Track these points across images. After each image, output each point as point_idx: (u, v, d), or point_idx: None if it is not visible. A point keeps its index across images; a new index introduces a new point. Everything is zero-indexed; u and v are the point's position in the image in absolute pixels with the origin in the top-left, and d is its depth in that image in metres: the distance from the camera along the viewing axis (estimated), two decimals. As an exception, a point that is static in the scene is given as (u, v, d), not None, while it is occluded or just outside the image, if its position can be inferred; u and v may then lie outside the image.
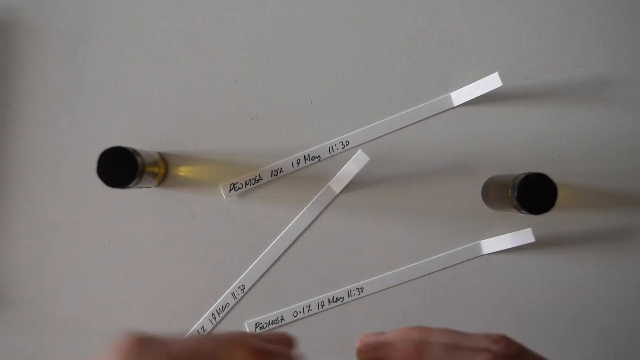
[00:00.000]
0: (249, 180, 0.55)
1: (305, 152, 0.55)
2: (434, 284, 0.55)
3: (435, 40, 0.55)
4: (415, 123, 0.55)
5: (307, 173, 0.55)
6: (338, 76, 0.55)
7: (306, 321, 0.55)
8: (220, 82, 0.55)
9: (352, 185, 0.54)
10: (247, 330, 0.55)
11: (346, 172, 0.53)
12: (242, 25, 0.55)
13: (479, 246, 0.54)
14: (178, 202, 0.55)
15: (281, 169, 0.55)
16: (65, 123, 0.55)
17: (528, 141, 0.55)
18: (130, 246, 0.55)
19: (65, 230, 0.55)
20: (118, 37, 0.55)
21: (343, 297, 0.54)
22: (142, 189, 0.54)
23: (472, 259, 0.54)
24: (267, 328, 0.55)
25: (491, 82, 0.52)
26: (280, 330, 0.55)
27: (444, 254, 0.54)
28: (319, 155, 0.55)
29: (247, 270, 0.55)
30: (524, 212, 0.46)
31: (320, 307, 0.55)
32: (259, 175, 0.55)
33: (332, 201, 0.55)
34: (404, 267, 0.55)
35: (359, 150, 0.52)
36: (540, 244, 0.54)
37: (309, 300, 0.55)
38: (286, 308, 0.55)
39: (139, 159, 0.46)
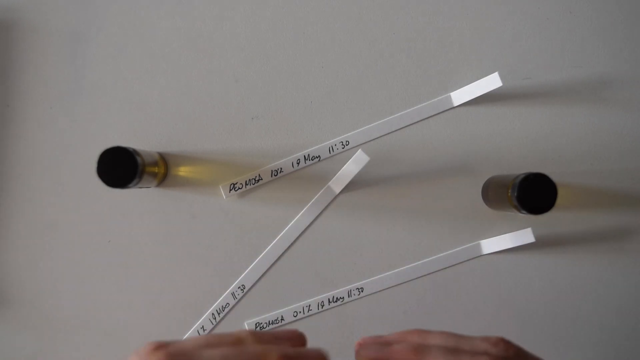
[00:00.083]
0: (249, 180, 0.55)
1: (305, 152, 0.55)
2: (434, 284, 0.55)
3: (435, 40, 0.55)
4: (415, 123, 0.55)
5: (307, 173, 0.55)
6: (338, 76, 0.55)
7: (306, 321, 0.55)
8: (220, 82, 0.55)
9: (352, 185, 0.54)
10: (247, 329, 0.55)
11: (346, 172, 0.53)
12: (242, 25, 0.55)
13: (479, 246, 0.54)
14: (178, 202, 0.55)
15: (281, 169, 0.55)
16: (65, 123, 0.55)
17: (528, 141, 0.55)
18: (130, 246, 0.55)
19: (65, 230, 0.55)
20: (118, 37, 0.56)
21: (343, 297, 0.54)
22: (142, 189, 0.54)
23: (472, 259, 0.54)
24: (267, 328, 0.55)
25: (491, 82, 0.52)
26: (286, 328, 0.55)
27: (444, 254, 0.54)
28: (319, 155, 0.55)
29: (247, 270, 0.55)
30: (524, 212, 0.46)
31: (320, 307, 0.55)
32: (259, 175, 0.55)
33: (332, 201, 0.55)
34: (404, 267, 0.55)
35: (359, 150, 0.52)
36: (540, 244, 0.54)
37: (309, 300, 0.55)
38: (286, 308, 0.55)
39: (139, 159, 0.46)
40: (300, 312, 0.55)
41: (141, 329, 0.55)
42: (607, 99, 0.54)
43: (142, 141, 0.55)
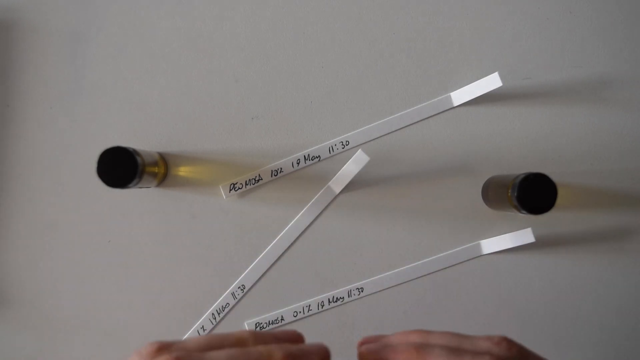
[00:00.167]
0: (249, 180, 0.55)
1: (305, 152, 0.55)
2: (434, 284, 0.55)
3: (435, 40, 0.55)
4: (415, 123, 0.55)
5: (307, 173, 0.55)
6: (338, 76, 0.55)
7: (306, 321, 0.55)
8: (220, 82, 0.55)
9: (352, 185, 0.54)
10: (247, 329, 0.55)
11: (346, 172, 0.53)
12: (242, 25, 0.55)
13: (479, 246, 0.54)
14: (178, 202, 0.55)
15: (281, 169, 0.55)
16: (65, 123, 0.55)
17: (528, 141, 0.55)
18: (130, 246, 0.55)
19: (65, 230, 0.55)
20: (118, 37, 0.56)
21: (343, 297, 0.54)
22: (142, 189, 0.54)
23: (472, 259, 0.54)
24: (267, 328, 0.55)
25: (491, 82, 0.52)
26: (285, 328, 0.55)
27: (444, 254, 0.54)
28: (319, 155, 0.55)
29: (247, 270, 0.55)
30: (524, 212, 0.46)
31: (320, 307, 0.55)
32: (259, 175, 0.55)
33: (332, 201, 0.55)
34: (404, 267, 0.55)
35: (359, 150, 0.52)
36: (540, 244, 0.54)
37: (309, 300, 0.55)
38: (286, 308, 0.55)
39: (139, 159, 0.46)
40: (300, 312, 0.55)
41: (141, 329, 0.55)
42: (607, 99, 0.54)
43: (142, 141, 0.55)
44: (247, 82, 0.55)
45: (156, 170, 0.51)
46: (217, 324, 0.55)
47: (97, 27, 0.55)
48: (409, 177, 0.55)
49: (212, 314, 0.55)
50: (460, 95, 0.54)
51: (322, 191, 0.55)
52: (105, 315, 0.55)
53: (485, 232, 0.54)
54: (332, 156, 0.55)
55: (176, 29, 0.55)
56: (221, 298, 0.55)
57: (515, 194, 0.45)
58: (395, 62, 0.55)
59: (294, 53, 0.55)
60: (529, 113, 0.55)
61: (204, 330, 0.55)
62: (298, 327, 0.54)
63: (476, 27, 0.55)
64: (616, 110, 0.54)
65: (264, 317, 0.55)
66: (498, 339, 0.33)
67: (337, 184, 0.54)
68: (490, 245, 0.54)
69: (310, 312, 0.55)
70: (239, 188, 0.55)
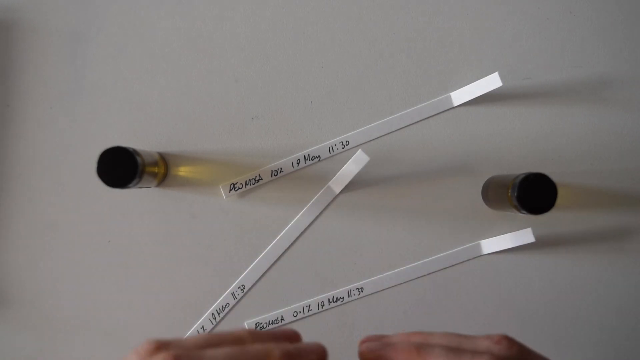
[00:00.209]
0: (249, 180, 0.55)
1: (305, 152, 0.55)
2: (434, 284, 0.55)
3: (435, 40, 0.55)
4: (415, 123, 0.55)
5: (307, 173, 0.55)
6: (338, 76, 0.55)
7: (306, 321, 0.55)
8: (220, 82, 0.55)
9: (352, 185, 0.54)
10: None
11: (346, 172, 0.53)
12: (242, 25, 0.55)
13: (479, 246, 0.54)
14: (178, 202, 0.55)
15: (281, 169, 0.55)
16: (65, 123, 0.55)
17: (528, 141, 0.55)
18: (130, 246, 0.55)
19: (65, 230, 0.55)
20: (118, 37, 0.56)
21: (343, 297, 0.54)
22: (142, 189, 0.54)
23: (472, 259, 0.54)
24: (267, 328, 0.55)
25: (491, 82, 0.52)
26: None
27: (444, 254, 0.54)
28: (319, 155, 0.55)
29: (247, 270, 0.55)
30: (524, 212, 0.46)
31: (320, 307, 0.55)
32: (259, 175, 0.55)
33: (332, 201, 0.55)
34: (404, 267, 0.55)
35: (359, 150, 0.52)
36: (540, 244, 0.54)
37: (309, 300, 0.55)
38: (286, 308, 0.55)
39: (139, 159, 0.46)
40: (300, 312, 0.55)
41: (141, 329, 0.55)
42: (607, 99, 0.54)
43: (142, 141, 0.55)
44: (247, 82, 0.55)
45: (156, 170, 0.51)
46: (217, 324, 0.55)
47: (97, 27, 0.55)
48: (409, 177, 0.55)
49: (212, 314, 0.55)
50: (460, 95, 0.54)
51: (322, 191, 0.55)
52: (105, 315, 0.55)
53: (485, 232, 0.54)
54: (332, 156, 0.55)
55: (176, 29, 0.55)
56: (221, 298, 0.55)
57: (515, 194, 0.45)
58: (395, 62, 0.55)
59: (294, 53, 0.55)
60: (529, 113, 0.55)
61: (204, 330, 0.55)
62: (298, 327, 0.54)
63: (476, 27, 0.55)
64: (616, 110, 0.54)
65: (264, 317, 0.55)
66: (498, 337, 0.33)
67: (337, 184, 0.54)
68: (490, 245, 0.54)
69: (310, 312, 0.55)
70: (239, 188, 0.55)
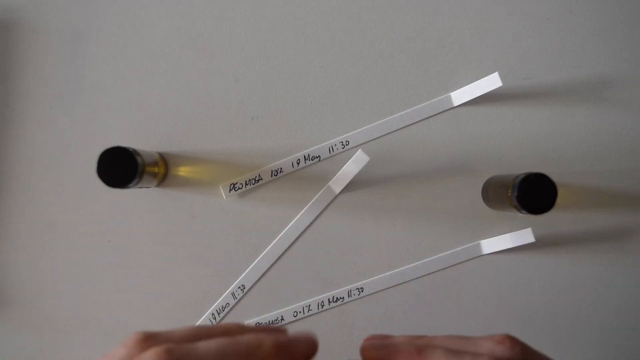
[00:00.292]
0: (249, 180, 0.55)
1: (305, 152, 0.55)
2: (434, 284, 0.55)
3: (435, 40, 0.55)
4: (415, 123, 0.55)
5: (307, 173, 0.55)
6: (338, 76, 0.55)
7: (306, 321, 0.55)
8: (220, 82, 0.55)
9: (352, 185, 0.54)
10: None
11: (346, 172, 0.53)
12: (242, 25, 0.55)
13: (479, 246, 0.54)
14: (178, 202, 0.55)
15: (281, 169, 0.55)
16: (65, 123, 0.55)
17: (528, 141, 0.55)
18: (130, 246, 0.55)
19: (65, 230, 0.55)
20: (118, 37, 0.56)
21: (343, 297, 0.54)
22: (142, 189, 0.54)
23: (472, 259, 0.54)
24: (267, 328, 0.55)
25: (491, 82, 0.52)
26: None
27: (444, 254, 0.54)
28: (319, 155, 0.55)
29: (247, 270, 0.55)
30: (524, 212, 0.46)
31: (320, 307, 0.55)
32: (259, 175, 0.55)
33: (332, 201, 0.55)
34: (404, 267, 0.55)
35: (359, 150, 0.52)
36: (540, 244, 0.54)
37: (309, 300, 0.55)
38: (286, 308, 0.55)
39: (139, 159, 0.46)
40: (300, 312, 0.55)
41: (141, 329, 0.54)
42: (607, 99, 0.54)
43: (142, 141, 0.55)
44: (247, 82, 0.55)
45: (156, 170, 0.51)
46: (217, 324, 0.55)
47: (97, 27, 0.55)
48: (409, 177, 0.55)
49: (212, 314, 0.55)
50: (460, 95, 0.54)
51: (322, 191, 0.55)
52: (105, 315, 0.55)
53: (485, 232, 0.54)
54: (332, 156, 0.55)
55: (176, 29, 0.55)
56: (221, 298, 0.55)
57: (515, 194, 0.45)
58: (395, 62, 0.55)
59: (294, 53, 0.55)
60: (529, 113, 0.55)
61: (204, 330, 0.55)
62: (298, 327, 0.54)
63: (476, 27, 0.55)
64: (616, 110, 0.54)
65: (264, 317, 0.55)
66: (500, 337, 0.33)
67: (337, 184, 0.54)
68: (490, 245, 0.54)
69: (310, 312, 0.55)
70: (239, 188, 0.55)
